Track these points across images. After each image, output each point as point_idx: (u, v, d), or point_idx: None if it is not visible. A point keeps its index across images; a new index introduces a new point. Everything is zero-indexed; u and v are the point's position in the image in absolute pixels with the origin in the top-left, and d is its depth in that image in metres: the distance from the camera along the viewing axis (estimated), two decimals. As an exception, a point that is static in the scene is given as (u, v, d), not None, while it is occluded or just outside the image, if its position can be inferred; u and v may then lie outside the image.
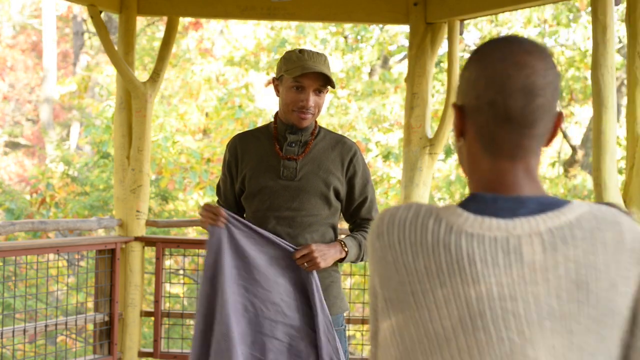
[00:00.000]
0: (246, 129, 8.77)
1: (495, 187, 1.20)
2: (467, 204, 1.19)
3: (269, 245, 2.78)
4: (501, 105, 1.18)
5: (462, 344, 1.14)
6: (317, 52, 2.78)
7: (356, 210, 2.90)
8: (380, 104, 9.73)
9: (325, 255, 2.77)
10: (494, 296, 1.13)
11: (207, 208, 2.78)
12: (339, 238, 2.86)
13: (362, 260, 2.88)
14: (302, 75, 2.72)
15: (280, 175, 2.81)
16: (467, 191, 9.52)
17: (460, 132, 1.25)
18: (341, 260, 2.83)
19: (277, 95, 2.85)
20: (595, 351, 1.14)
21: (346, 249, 2.80)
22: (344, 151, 2.85)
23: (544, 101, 1.18)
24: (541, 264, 1.13)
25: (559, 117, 1.22)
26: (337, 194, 2.85)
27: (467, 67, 1.24)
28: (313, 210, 2.82)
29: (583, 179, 9.13)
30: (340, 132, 9.31)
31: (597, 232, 1.15)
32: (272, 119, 2.93)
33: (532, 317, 1.12)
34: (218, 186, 3.01)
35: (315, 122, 2.87)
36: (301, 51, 2.77)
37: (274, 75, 2.85)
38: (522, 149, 1.20)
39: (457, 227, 1.16)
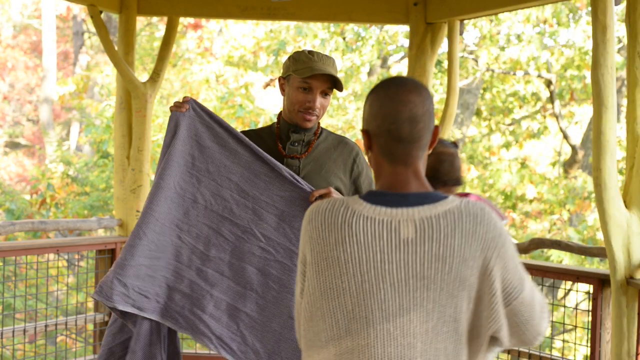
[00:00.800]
0: (247, 128, 8.79)
1: (392, 186, 1.74)
2: (367, 197, 1.73)
3: (252, 159, 2.76)
4: (395, 132, 1.73)
5: (353, 292, 1.68)
6: (326, 55, 2.78)
7: None
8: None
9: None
10: (377, 259, 1.67)
11: (176, 101, 2.79)
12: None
13: None
14: (310, 77, 2.72)
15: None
16: (466, 191, 9.51)
17: (368, 148, 1.79)
18: None
19: (282, 94, 2.84)
20: (445, 303, 1.67)
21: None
22: (346, 152, 2.86)
23: (423, 125, 1.74)
24: (412, 240, 1.66)
25: (436, 131, 1.78)
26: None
27: (369, 102, 1.78)
28: None
29: (584, 180, 9.12)
30: (340, 133, 9.36)
31: (458, 222, 1.67)
32: (274, 119, 2.92)
33: (401, 275, 1.66)
34: None
35: (318, 123, 2.88)
36: (310, 52, 2.76)
37: (281, 75, 2.84)
38: (412, 158, 1.74)
39: (358, 212, 1.70)
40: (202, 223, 2.74)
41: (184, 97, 2.77)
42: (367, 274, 1.68)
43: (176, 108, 2.73)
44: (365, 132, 1.78)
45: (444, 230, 1.66)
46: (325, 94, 2.76)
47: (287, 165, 2.81)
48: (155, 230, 2.67)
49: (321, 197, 2.71)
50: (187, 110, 2.73)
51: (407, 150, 1.74)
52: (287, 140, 2.84)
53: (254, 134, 2.91)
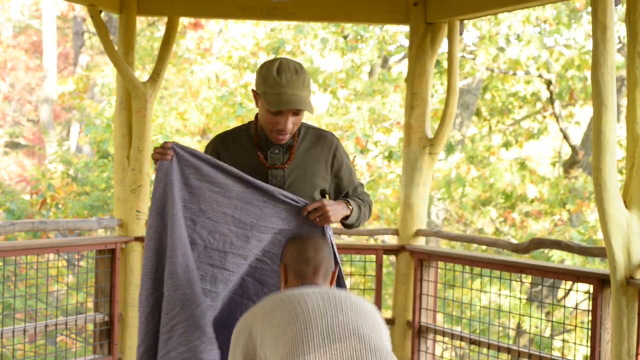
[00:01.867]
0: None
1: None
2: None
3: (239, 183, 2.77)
4: (303, 255, 2.46)
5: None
6: (296, 71, 2.69)
7: (346, 195, 2.97)
8: (380, 103, 9.72)
9: (335, 210, 2.80)
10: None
11: (156, 148, 2.76)
12: (341, 198, 2.93)
13: (359, 222, 2.93)
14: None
15: (269, 184, 2.81)
16: (466, 190, 9.51)
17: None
18: (346, 218, 2.86)
19: (257, 106, 2.81)
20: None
21: (350, 207, 2.84)
22: (326, 147, 2.88)
23: (324, 253, 2.50)
24: None
25: (334, 272, 2.55)
26: (323, 194, 2.92)
27: (285, 248, 2.55)
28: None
29: (584, 180, 9.11)
30: (340, 132, 9.33)
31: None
32: (253, 120, 2.90)
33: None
34: None
35: None
36: (279, 72, 2.68)
37: (253, 88, 2.81)
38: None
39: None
40: (205, 264, 2.77)
41: (165, 143, 2.74)
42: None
43: (161, 156, 2.71)
44: (283, 265, 2.52)
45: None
46: (296, 114, 2.73)
47: (272, 177, 2.81)
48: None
49: (315, 210, 2.77)
50: (172, 157, 2.72)
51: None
52: (267, 149, 2.83)
53: (231, 139, 2.89)
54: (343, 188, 2.94)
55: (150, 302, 2.76)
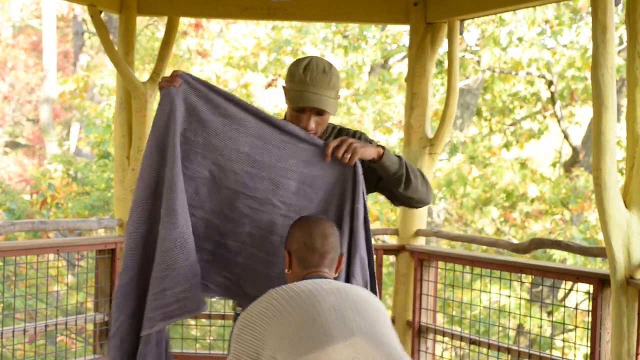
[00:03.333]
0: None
1: None
2: None
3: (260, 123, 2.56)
4: (310, 244, 2.38)
5: None
6: (324, 71, 2.62)
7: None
8: (385, 104, 9.73)
9: (363, 144, 2.57)
10: None
11: (164, 77, 2.55)
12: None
13: (406, 175, 2.62)
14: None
15: None
16: (468, 190, 9.51)
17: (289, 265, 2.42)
18: (380, 158, 2.58)
19: (286, 102, 2.72)
20: None
21: (383, 147, 2.61)
22: (349, 132, 2.78)
23: (331, 242, 2.40)
24: None
25: (340, 257, 2.45)
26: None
27: (290, 232, 2.45)
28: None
29: (585, 179, 9.11)
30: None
31: None
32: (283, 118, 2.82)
33: None
34: None
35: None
36: (306, 69, 2.62)
37: (284, 84, 2.72)
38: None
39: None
40: (215, 199, 2.57)
41: (174, 72, 2.54)
42: None
43: (167, 84, 2.50)
44: (287, 252, 2.44)
45: None
46: (320, 113, 2.63)
47: None
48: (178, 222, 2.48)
49: (337, 147, 2.56)
50: (180, 85, 2.50)
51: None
52: None
53: None
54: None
55: (136, 237, 2.54)
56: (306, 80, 2.60)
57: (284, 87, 2.70)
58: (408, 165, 2.65)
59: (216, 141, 2.53)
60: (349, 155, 2.55)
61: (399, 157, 2.65)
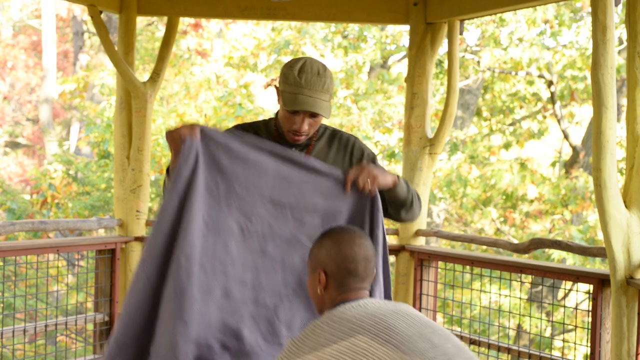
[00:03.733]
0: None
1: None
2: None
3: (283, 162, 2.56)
4: (353, 270, 2.16)
5: None
6: (318, 73, 2.61)
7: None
8: (386, 105, 9.73)
9: (381, 171, 2.62)
10: None
11: (176, 129, 2.53)
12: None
13: (412, 201, 2.68)
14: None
15: None
16: (468, 191, 9.52)
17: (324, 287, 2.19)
18: (395, 186, 2.63)
19: (278, 103, 2.72)
20: None
21: (397, 175, 2.64)
22: (342, 144, 2.77)
23: (373, 263, 2.20)
24: None
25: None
26: None
27: (324, 246, 2.20)
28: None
29: (585, 180, 9.11)
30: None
31: None
32: (273, 116, 2.83)
33: None
34: None
35: None
36: (300, 72, 2.60)
37: (277, 84, 2.72)
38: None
39: None
40: (246, 250, 2.56)
41: (192, 124, 2.54)
42: None
43: (186, 135, 2.51)
44: (323, 271, 2.17)
45: None
46: (313, 116, 2.63)
47: None
48: (199, 276, 2.45)
49: (356, 177, 2.60)
50: (199, 136, 2.52)
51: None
52: (285, 143, 2.74)
53: (252, 131, 2.78)
54: None
55: (146, 284, 2.47)
56: (300, 82, 2.59)
57: (276, 88, 2.71)
58: (412, 191, 2.71)
59: (239, 188, 2.55)
60: (369, 187, 2.60)
61: (406, 182, 2.70)
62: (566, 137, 11.04)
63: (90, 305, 6.99)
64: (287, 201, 2.59)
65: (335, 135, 2.79)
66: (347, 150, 2.77)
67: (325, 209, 2.62)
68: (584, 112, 11.83)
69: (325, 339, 1.99)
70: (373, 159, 2.79)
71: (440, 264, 4.69)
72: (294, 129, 2.64)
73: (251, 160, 2.57)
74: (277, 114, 2.78)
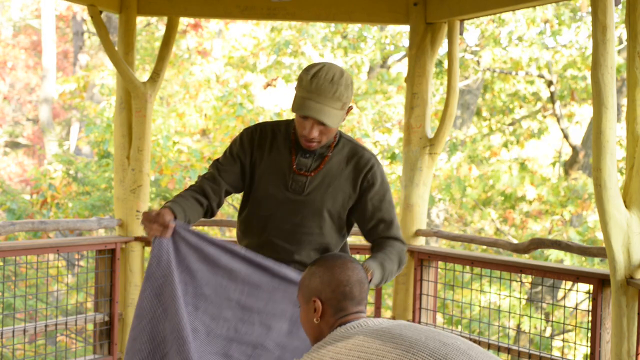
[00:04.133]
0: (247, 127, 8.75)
1: None
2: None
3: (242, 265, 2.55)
4: (349, 293, 2.15)
5: None
6: (332, 80, 2.56)
7: (373, 229, 2.73)
8: (385, 105, 9.73)
9: None
10: None
11: (151, 218, 2.51)
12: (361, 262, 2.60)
13: (385, 282, 2.64)
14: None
15: (289, 187, 2.68)
16: (468, 191, 9.51)
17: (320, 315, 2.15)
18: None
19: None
20: None
21: (370, 271, 2.55)
22: (360, 165, 2.70)
23: (366, 287, 2.22)
24: None
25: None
26: (345, 212, 2.73)
27: (316, 274, 2.18)
28: (315, 228, 2.69)
29: (584, 182, 9.10)
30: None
31: None
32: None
33: None
34: (217, 163, 2.76)
35: (336, 135, 2.72)
36: (314, 76, 2.56)
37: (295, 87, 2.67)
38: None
39: None
40: (208, 352, 2.54)
41: (164, 217, 2.51)
42: None
43: (159, 232, 2.49)
44: (319, 299, 2.15)
45: None
46: (321, 122, 2.58)
47: (293, 181, 2.67)
48: None
49: None
50: (172, 235, 2.51)
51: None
52: (300, 150, 2.70)
53: (270, 130, 2.75)
54: (368, 216, 2.70)
55: None
56: (311, 87, 2.55)
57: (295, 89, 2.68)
58: (387, 272, 2.63)
59: (207, 290, 2.55)
60: None
61: (381, 268, 2.60)
62: (566, 137, 11.04)
63: (90, 305, 7.00)
64: (255, 306, 2.58)
65: (355, 154, 2.72)
66: (360, 175, 2.70)
67: (293, 315, 2.60)
68: (584, 112, 11.84)
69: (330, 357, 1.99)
70: (382, 196, 2.71)
71: (440, 264, 4.69)
72: (304, 135, 2.60)
73: (222, 264, 2.56)
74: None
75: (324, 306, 2.15)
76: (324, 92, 2.54)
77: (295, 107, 2.57)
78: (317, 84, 2.54)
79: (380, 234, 2.73)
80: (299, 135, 2.63)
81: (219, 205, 2.75)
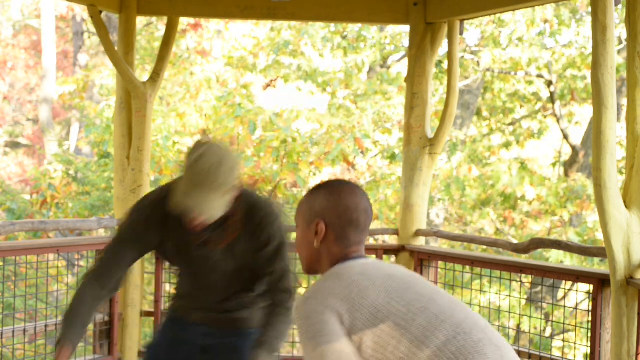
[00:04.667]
0: (246, 128, 8.77)
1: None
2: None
3: None
4: (355, 220, 2.00)
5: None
6: (211, 170, 2.41)
7: (267, 276, 2.67)
8: (385, 105, 9.73)
9: None
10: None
11: None
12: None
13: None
14: None
15: (194, 259, 2.65)
16: (467, 191, 9.52)
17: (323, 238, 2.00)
18: None
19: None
20: None
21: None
22: (255, 217, 2.61)
23: (371, 218, 2.05)
24: None
25: None
26: (250, 266, 2.68)
27: (321, 196, 2.02)
28: (230, 290, 2.70)
29: (583, 184, 9.11)
30: (340, 133, 9.31)
31: None
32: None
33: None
34: (115, 247, 2.67)
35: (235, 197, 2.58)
36: (195, 166, 2.42)
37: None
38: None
39: None
40: None
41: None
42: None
43: None
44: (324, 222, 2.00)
45: None
46: None
47: (198, 258, 2.65)
48: None
49: None
50: None
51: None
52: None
53: (162, 210, 2.60)
54: (262, 265, 2.64)
55: None
56: (192, 179, 2.42)
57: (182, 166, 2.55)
58: (277, 349, 2.62)
59: None
60: None
61: (273, 344, 2.59)
62: (566, 137, 11.05)
63: (90, 305, 6.98)
64: None
65: (253, 206, 2.62)
66: (257, 222, 2.62)
67: None
68: (584, 112, 11.84)
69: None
70: (278, 248, 2.65)
71: (440, 264, 4.69)
72: (188, 222, 2.52)
73: None
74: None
75: (327, 230, 2.00)
76: (205, 184, 2.42)
77: (177, 202, 2.46)
78: (198, 177, 2.42)
79: (273, 285, 2.67)
80: (198, 229, 2.55)
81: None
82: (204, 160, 2.43)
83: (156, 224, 2.63)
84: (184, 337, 2.80)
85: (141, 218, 2.64)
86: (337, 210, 2.00)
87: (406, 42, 10.09)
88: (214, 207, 2.46)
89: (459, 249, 8.04)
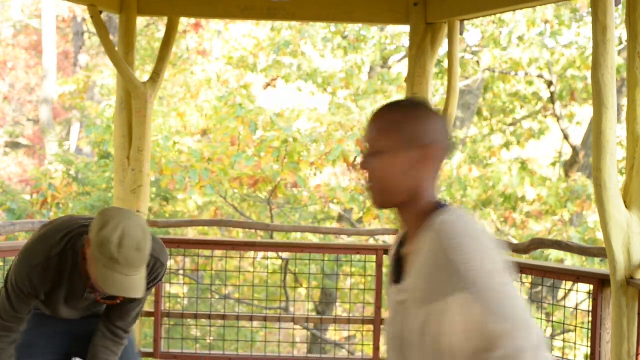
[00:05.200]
0: (247, 128, 8.77)
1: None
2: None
3: None
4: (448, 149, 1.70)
5: None
6: (137, 247, 2.32)
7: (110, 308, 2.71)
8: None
9: None
10: None
11: None
12: None
13: None
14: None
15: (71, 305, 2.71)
16: (468, 191, 9.51)
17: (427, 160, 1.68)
18: None
19: (88, 258, 2.43)
20: None
21: None
22: (152, 274, 2.63)
23: None
24: None
25: None
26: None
27: (424, 116, 1.68)
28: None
29: (583, 184, 9.10)
30: (341, 132, 9.31)
31: None
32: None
33: None
34: (8, 305, 2.64)
35: None
36: (119, 247, 2.31)
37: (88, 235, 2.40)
38: None
39: None
40: None
41: None
42: None
43: None
44: (427, 145, 1.65)
45: None
46: None
47: (73, 303, 2.69)
48: None
49: None
50: None
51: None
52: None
53: (56, 270, 2.55)
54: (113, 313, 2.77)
55: None
56: (118, 259, 2.31)
57: (87, 239, 2.41)
58: None
59: None
60: None
61: None
62: (566, 137, 11.04)
63: (90, 305, 6.98)
64: None
65: (153, 265, 2.58)
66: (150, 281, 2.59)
67: None
68: (584, 112, 11.84)
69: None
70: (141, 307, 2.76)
71: (440, 264, 4.68)
72: (107, 297, 2.56)
73: None
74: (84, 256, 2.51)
75: (435, 150, 1.66)
76: (133, 262, 2.32)
77: (103, 283, 2.34)
78: (125, 255, 2.30)
79: (113, 320, 2.74)
80: (101, 292, 2.53)
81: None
82: (129, 238, 2.32)
83: (44, 284, 2.58)
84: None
85: (26, 283, 2.58)
86: (446, 135, 1.69)
87: (406, 42, 10.09)
88: (143, 285, 2.38)
89: (459, 249, 8.03)
